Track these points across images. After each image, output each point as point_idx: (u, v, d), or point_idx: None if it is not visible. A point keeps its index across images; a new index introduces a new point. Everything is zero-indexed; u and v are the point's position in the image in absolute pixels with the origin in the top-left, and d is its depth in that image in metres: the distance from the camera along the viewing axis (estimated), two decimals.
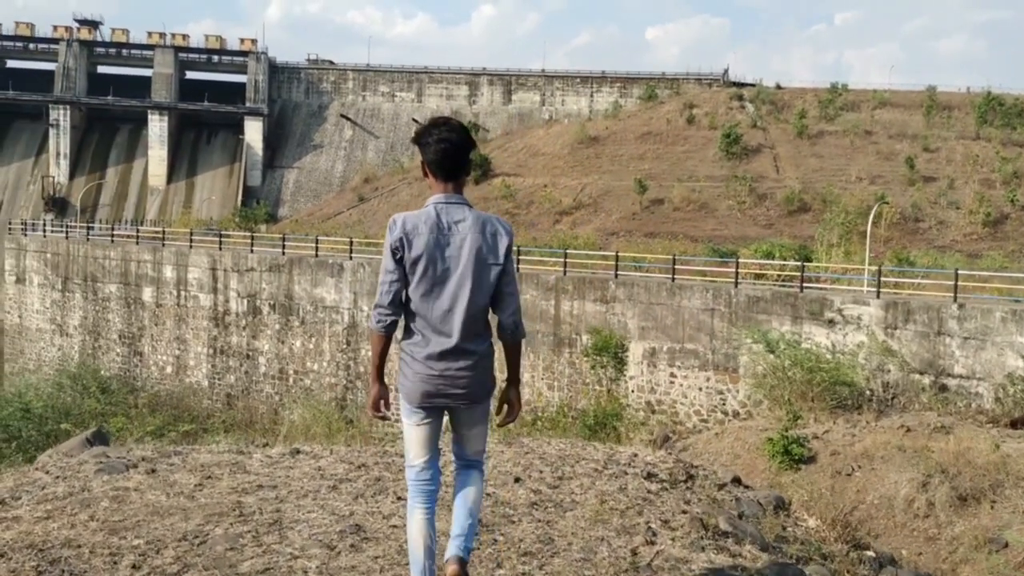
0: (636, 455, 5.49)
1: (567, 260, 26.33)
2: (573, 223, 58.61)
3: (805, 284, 22.47)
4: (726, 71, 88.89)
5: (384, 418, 4.14)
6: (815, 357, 17.72)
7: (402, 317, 4.04)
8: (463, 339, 3.91)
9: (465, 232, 3.97)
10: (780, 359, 17.48)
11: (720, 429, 17.91)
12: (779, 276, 25.29)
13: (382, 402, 4.10)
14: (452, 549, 3.98)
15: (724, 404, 22.07)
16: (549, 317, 25.22)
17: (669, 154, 67.47)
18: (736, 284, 22.77)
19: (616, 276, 24.54)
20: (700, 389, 22.42)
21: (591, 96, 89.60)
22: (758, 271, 25.97)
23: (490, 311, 4.04)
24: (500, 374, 3.86)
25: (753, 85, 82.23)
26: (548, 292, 25.32)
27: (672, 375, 22.83)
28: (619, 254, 25.46)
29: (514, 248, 4.24)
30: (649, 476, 5.01)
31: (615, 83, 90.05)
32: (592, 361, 17.87)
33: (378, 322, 3.98)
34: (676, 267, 24.48)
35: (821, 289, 23.09)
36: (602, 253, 33.03)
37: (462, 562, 3.94)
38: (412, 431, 4.04)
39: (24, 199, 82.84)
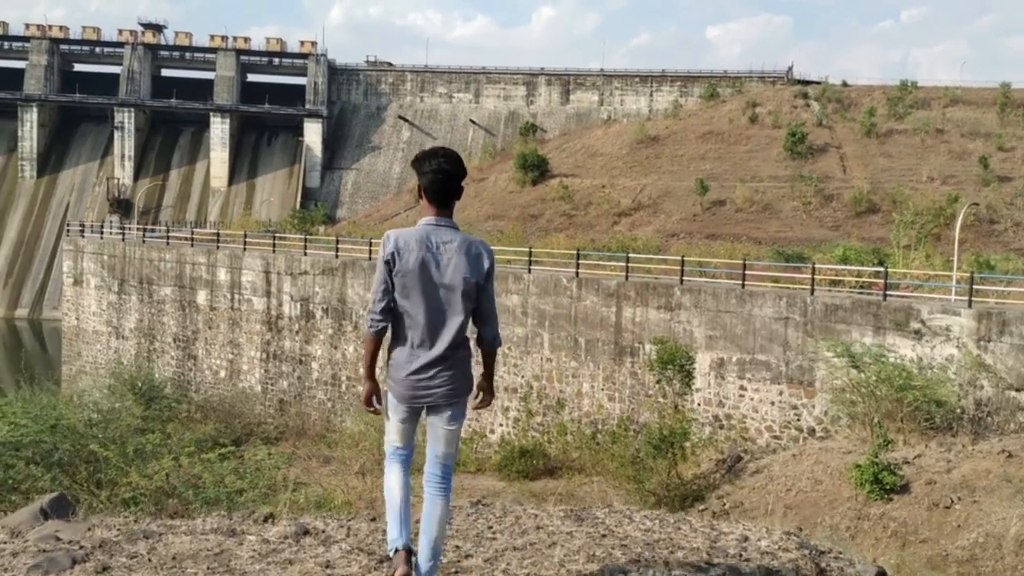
0: (747, 539, 4.33)
1: (629, 264, 25.10)
2: (632, 225, 57.32)
3: (886, 292, 20.92)
4: (790, 69, 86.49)
5: (376, 412, 4.61)
6: (905, 373, 16.25)
7: (391, 323, 4.53)
8: (446, 348, 4.40)
9: (452, 253, 4.42)
10: (865, 374, 16.07)
11: (798, 450, 16.57)
12: (857, 283, 23.72)
13: (374, 397, 4.58)
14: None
15: (798, 420, 20.64)
16: (610, 324, 24.05)
17: (731, 154, 65.77)
18: (812, 291, 21.31)
19: (681, 282, 23.24)
20: (772, 403, 21.01)
21: (651, 95, 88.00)
22: (834, 277, 24.41)
23: (471, 325, 4.54)
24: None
25: (818, 83, 79.81)
26: (609, 298, 24.15)
27: (742, 388, 21.46)
28: (684, 258, 24.13)
29: (496, 269, 4.65)
30: (769, 575, 3.86)
31: (675, 82, 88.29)
32: (657, 375, 16.71)
33: (370, 326, 4.50)
34: (745, 272, 23.07)
35: (904, 297, 21.48)
36: (664, 257, 31.71)
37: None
38: (396, 424, 4.55)
39: (90, 200, 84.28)
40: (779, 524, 13.84)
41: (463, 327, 4.46)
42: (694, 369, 16.86)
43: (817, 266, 22.77)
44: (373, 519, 5.25)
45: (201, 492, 9.06)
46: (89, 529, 4.55)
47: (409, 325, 4.43)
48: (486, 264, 4.50)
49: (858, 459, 14.16)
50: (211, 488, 8.98)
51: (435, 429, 4.55)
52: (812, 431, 20.36)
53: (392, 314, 4.48)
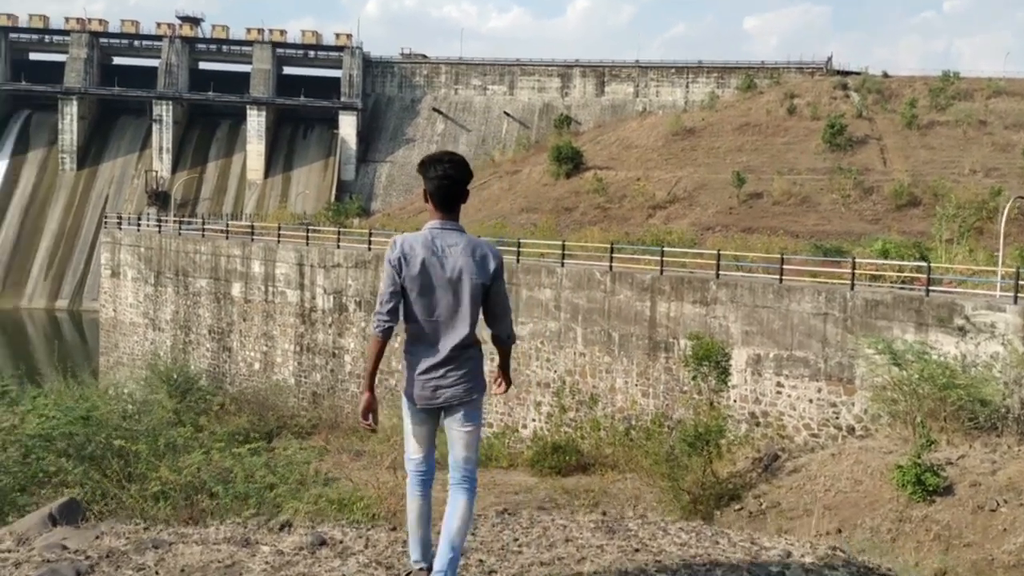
0: (790, 555, 4.08)
1: (664, 258, 24.76)
2: (667, 218, 56.75)
3: (928, 287, 20.41)
4: (829, 59, 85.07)
5: (372, 429, 4.55)
6: (948, 371, 15.80)
7: (401, 325, 4.56)
8: (455, 349, 4.45)
9: (457, 255, 4.48)
10: (907, 372, 15.65)
11: (837, 449, 16.20)
12: (898, 278, 23.18)
13: (371, 414, 4.52)
14: None
15: (837, 418, 20.22)
16: (644, 319, 23.75)
17: (768, 146, 64.88)
18: (852, 286, 20.85)
19: (717, 276, 22.87)
20: (810, 401, 20.61)
21: (686, 87, 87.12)
22: (874, 272, 23.87)
23: (482, 323, 4.55)
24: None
25: (858, 74, 78.41)
26: (643, 292, 23.85)
27: (779, 384, 21.08)
28: (720, 252, 23.75)
29: (504, 270, 4.67)
30: None
31: (712, 73, 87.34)
32: (693, 371, 16.41)
33: (377, 327, 4.50)
34: (783, 267, 22.64)
35: (947, 293, 20.93)
36: (699, 251, 31.29)
37: None
38: (413, 428, 4.58)
39: (128, 193, 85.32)
40: (817, 525, 13.53)
41: (471, 328, 4.51)
42: (730, 365, 16.53)
43: (857, 261, 22.26)
44: (393, 528, 5.07)
45: (231, 487, 8.98)
46: (97, 537, 4.42)
47: (418, 327, 4.49)
48: (492, 265, 4.55)
49: (900, 459, 13.79)
50: (241, 483, 8.90)
51: (451, 432, 4.59)
52: (851, 429, 19.94)
53: (400, 316, 4.53)
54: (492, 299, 4.56)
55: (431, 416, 4.57)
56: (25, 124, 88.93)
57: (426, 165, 4.60)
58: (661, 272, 24.06)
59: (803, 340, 20.86)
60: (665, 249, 26.33)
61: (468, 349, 4.52)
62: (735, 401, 21.41)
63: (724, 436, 16.14)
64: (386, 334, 4.50)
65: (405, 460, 4.68)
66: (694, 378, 17.13)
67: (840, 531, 13.02)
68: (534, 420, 25.68)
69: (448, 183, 4.55)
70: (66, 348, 60.63)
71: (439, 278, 4.45)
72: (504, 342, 4.68)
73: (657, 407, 23.08)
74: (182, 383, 24.23)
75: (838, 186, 56.72)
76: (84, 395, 13.86)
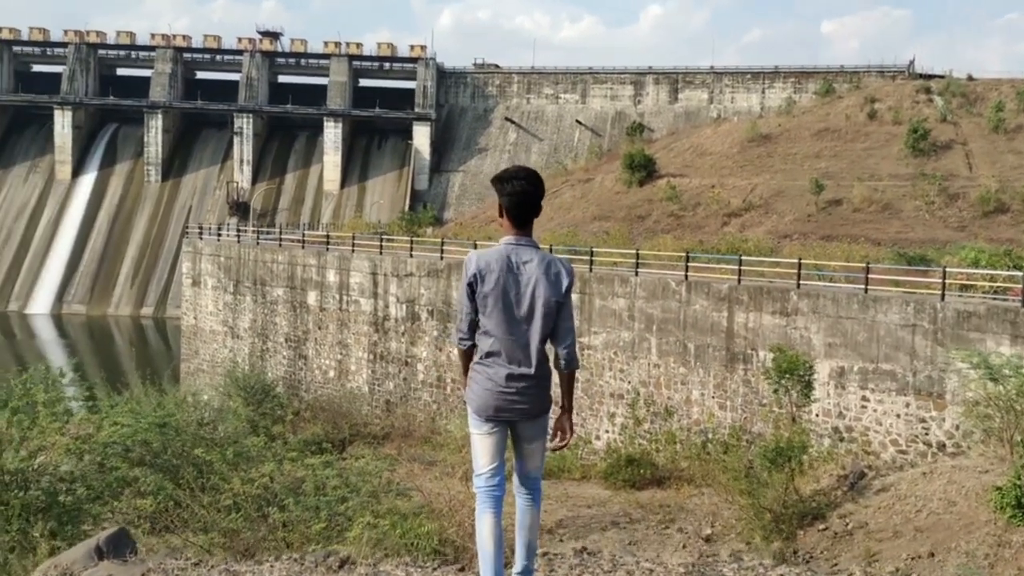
0: None
1: (741, 267, 24.12)
2: (742, 225, 55.65)
3: None
4: (911, 63, 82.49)
5: None
6: None
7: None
8: (528, 365, 4.54)
9: (532, 271, 4.53)
10: (1003, 387, 14.82)
11: (928, 467, 15.43)
12: (990, 287, 22.11)
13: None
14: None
15: (927, 434, 19.33)
16: (721, 330, 23.16)
17: (848, 151, 63.19)
18: (942, 296, 19.94)
19: (798, 286, 22.15)
20: (897, 416, 19.75)
21: (762, 92, 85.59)
22: (964, 281, 22.84)
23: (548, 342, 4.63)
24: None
25: (942, 77, 75.84)
26: (720, 302, 23.26)
27: (864, 399, 20.26)
28: (801, 261, 23.01)
29: (575, 286, 4.73)
30: None
31: (788, 78, 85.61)
32: (774, 384, 15.84)
33: (459, 343, 4.74)
34: (867, 276, 21.80)
35: None
36: (778, 259, 30.46)
37: None
38: (481, 440, 4.62)
39: (210, 203, 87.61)
40: (908, 548, 12.86)
41: (544, 344, 4.61)
42: (814, 379, 15.90)
43: (948, 269, 21.31)
44: (461, 569, 4.85)
45: (302, 499, 8.89)
46: (144, 574, 4.27)
47: (493, 343, 4.55)
48: (565, 282, 4.59)
49: (997, 480, 13.00)
50: (311, 496, 8.79)
51: (522, 445, 4.70)
52: (942, 446, 19.05)
53: (476, 332, 4.64)
54: (560, 316, 4.59)
55: (501, 429, 4.60)
56: (113, 137, 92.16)
57: (501, 181, 4.65)
58: (739, 281, 23.44)
59: (890, 352, 20.02)
60: (743, 258, 25.68)
61: (543, 366, 4.61)
62: (817, 415, 20.67)
63: (807, 452, 15.52)
64: (471, 349, 4.71)
65: (473, 478, 4.70)
66: (775, 391, 16.53)
67: (933, 555, 12.35)
68: (607, 432, 25.28)
69: (523, 198, 4.58)
70: (150, 354, 62.50)
71: (514, 294, 4.49)
72: (568, 363, 4.70)
73: (735, 420, 22.45)
74: (258, 390, 24.54)
75: (921, 192, 54.91)
76: (161, 403, 14.06)
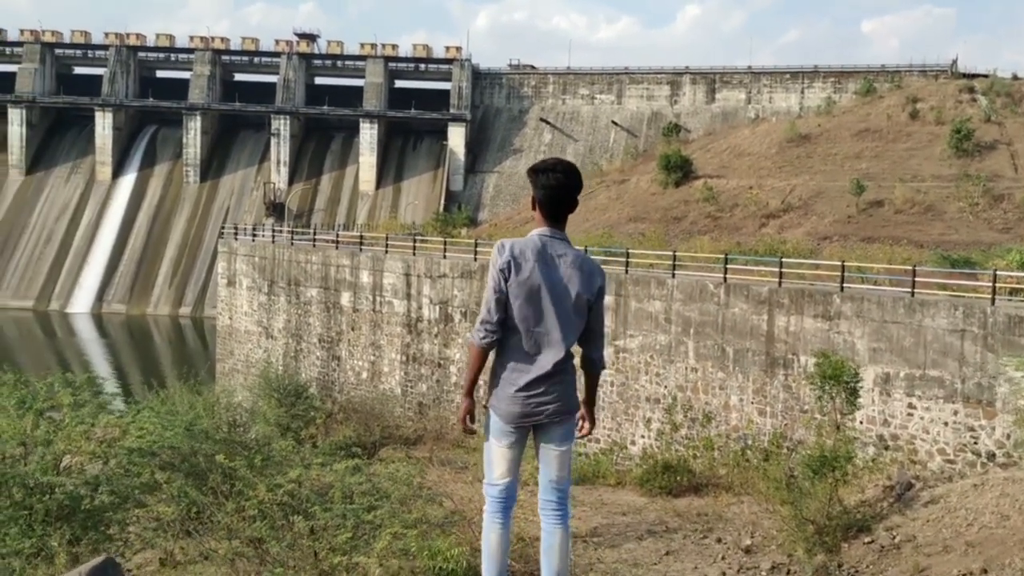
0: None
1: (782, 269, 23.54)
2: (781, 227, 54.81)
3: None
4: (954, 62, 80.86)
5: (472, 432, 4.46)
6: None
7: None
8: (558, 364, 4.25)
9: (567, 266, 4.28)
10: None
11: (979, 479, 14.84)
12: None
13: (468, 416, 4.44)
14: None
15: (976, 443, 18.66)
16: (760, 334, 22.62)
17: (889, 152, 62.01)
18: (992, 300, 19.25)
19: (842, 289, 21.55)
20: (945, 424, 19.11)
21: (801, 92, 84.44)
22: (1014, 285, 22.09)
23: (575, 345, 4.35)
24: None
25: (986, 76, 74.16)
26: (760, 305, 22.71)
27: (910, 406, 19.63)
28: (844, 263, 22.40)
29: (606, 289, 4.44)
30: None
31: (828, 78, 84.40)
32: (818, 391, 15.35)
33: (483, 338, 4.28)
34: (913, 279, 21.14)
35: None
36: (820, 262, 29.79)
37: None
38: (500, 451, 4.32)
39: (248, 204, 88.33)
40: (959, 564, 12.32)
41: (572, 343, 4.37)
42: (860, 386, 15.40)
43: (999, 273, 20.60)
44: None
45: (329, 507, 8.62)
46: None
47: (519, 339, 4.26)
48: (598, 282, 4.38)
49: None
50: (338, 503, 8.52)
51: (546, 452, 4.41)
52: (991, 456, 18.38)
53: (504, 327, 4.28)
54: (592, 317, 4.38)
55: (522, 435, 4.37)
56: (152, 139, 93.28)
57: (537, 172, 4.42)
58: (779, 284, 22.88)
59: (937, 358, 19.38)
60: (784, 259, 25.10)
61: (568, 363, 4.35)
62: (861, 423, 20.07)
63: (852, 461, 15.00)
64: (491, 346, 4.32)
65: (485, 486, 4.44)
66: (819, 398, 16.01)
67: (986, 572, 11.80)
68: (643, 437, 24.83)
69: (558, 191, 4.36)
70: (187, 353, 63.09)
71: (549, 287, 4.23)
72: (595, 365, 4.47)
73: (775, 427, 21.91)
74: (291, 392, 24.45)
75: (965, 194, 53.70)
76: (193, 404, 13.92)
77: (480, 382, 4.56)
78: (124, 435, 8.80)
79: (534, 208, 4.45)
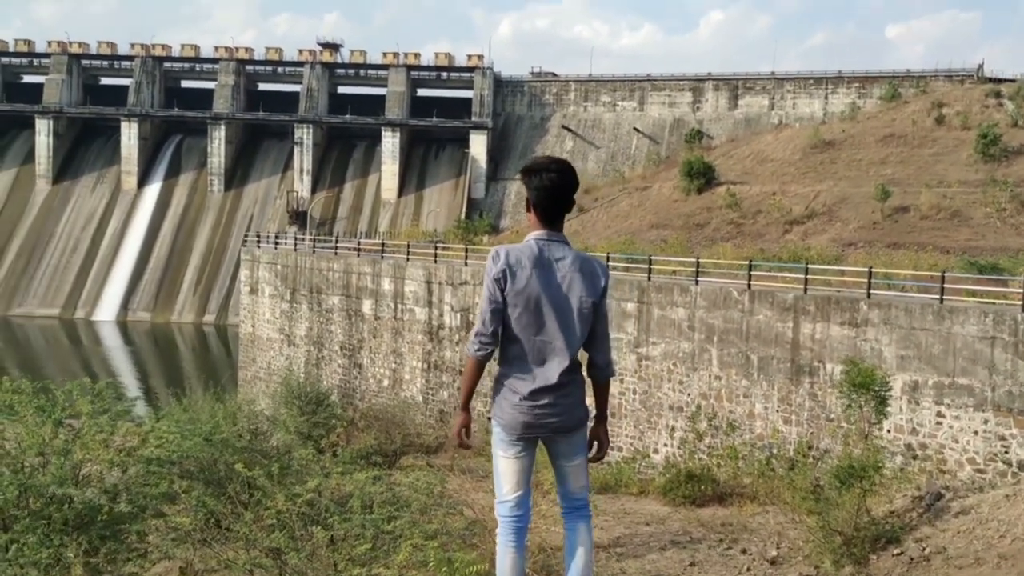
0: None
1: (807, 276, 23.25)
2: (804, 233, 54.34)
3: None
4: (980, 66, 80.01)
5: (467, 447, 4.28)
6: None
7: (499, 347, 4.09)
8: (564, 373, 4.06)
9: (566, 270, 4.11)
10: None
11: (1011, 490, 14.49)
12: None
13: (464, 430, 4.28)
14: None
15: (1006, 452, 18.30)
16: (785, 341, 22.34)
17: (915, 157, 61.35)
18: (1023, 307, 18.90)
19: (868, 295, 21.24)
20: (975, 433, 18.76)
21: (825, 98, 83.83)
22: None
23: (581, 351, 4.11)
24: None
25: (1012, 81, 73.33)
26: (785, 312, 22.44)
27: (939, 415, 19.29)
28: (872, 269, 22.08)
29: (609, 290, 4.21)
30: None
31: (852, 83, 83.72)
32: (847, 399, 15.09)
33: (478, 350, 4.15)
34: (942, 285, 20.79)
35: None
36: (845, 268, 29.43)
37: None
38: (508, 463, 4.13)
39: (271, 212, 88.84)
40: None
41: (579, 349, 4.19)
42: (889, 395, 15.12)
43: None
44: None
45: (348, 517, 8.52)
46: None
47: (520, 348, 4.10)
48: (602, 282, 4.22)
49: None
50: (358, 513, 8.42)
51: (559, 467, 4.25)
52: (1023, 466, 18.00)
53: (501, 337, 4.12)
54: (596, 319, 4.19)
55: (530, 448, 4.20)
56: (177, 148, 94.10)
57: (530, 173, 4.24)
58: (805, 291, 22.60)
59: (967, 366, 19.04)
60: (810, 266, 24.80)
61: (575, 373, 4.18)
62: (889, 431, 19.75)
63: (881, 472, 14.72)
64: (485, 359, 4.17)
65: (496, 506, 4.27)
66: (848, 407, 15.75)
67: None
68: (666, 445, 24.59)
69: (552, 192, 4.17)
70: (211, 361, 63.46)
71: (548, 294, 4.07)
72: (603, 371, 4.25)
73: (800, 435, 21.61)
74: (312, 399, 24.43)
75: (992, 199, 53.01)
76: (214, 412, 13.89)
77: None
78: (143, 444, 8.75)
79: (529, 210, 4.29)
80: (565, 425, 4.12)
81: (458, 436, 4.35)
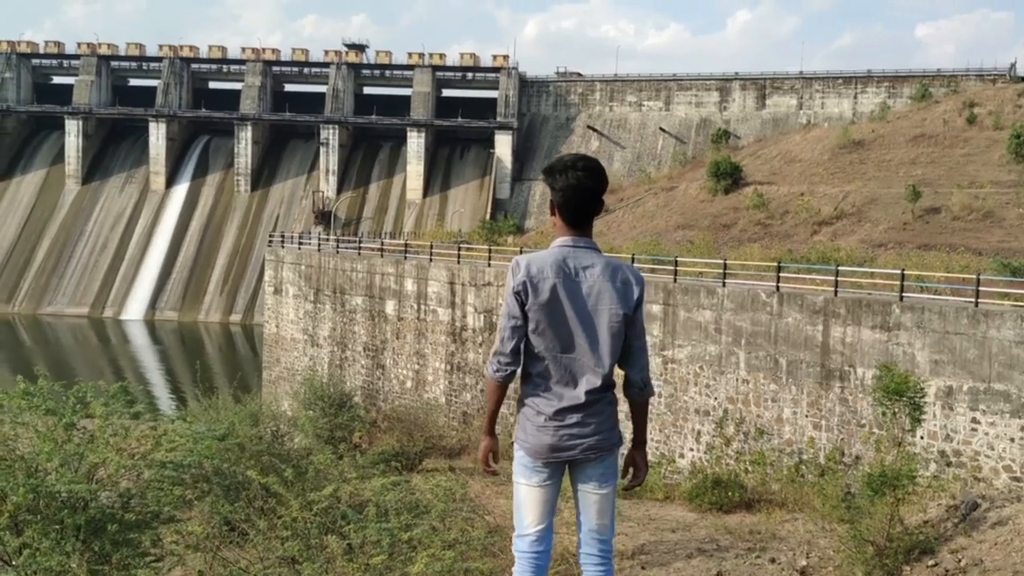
0: None
1: (838, 278, 22.77)
2: (833, 234, 53.60)
3: None
4: (1012, 66, 78.75)
5: (494, 473, 4.01)
6: None
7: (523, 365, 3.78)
8: (593, 392, 3.76)
9: (594, 280, 3.78)
10: None
11: None
12: None
13: (491, 455, 4.01)
14: None
15: None
16: (815, 344, 21.88)
17: (946, 158, 60.38)
18: None
19: (901, 298, 20.74)
20: (1011, 440, 18.22)
21: (854, 98, 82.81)
22: None
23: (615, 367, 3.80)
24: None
25: None
26: (815, 315, 21.99)
27: (974, 421, 18.78)
28: (904, 271, 21.57)
29: (645, 298, 3.88)
30: None
31: (882, 83, 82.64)
32: (881, 406, 14.66)
33: (497, 371, 3.87)
34: (977, 288, 20.27)
35: None
36: (876, 270, 28.87)
37: None
38: (530, 492, 3.84)
39: (297, 213, 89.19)
40: None
41: (611, 366, 3.83)
42: (924, 402, 14.65)
43: None
44: None
45: (363, 527, 8.30)
46: None
47: (545, 368, 3.78)
48: (636, 292, 3.83)
49: None
50: (373, 525, 8.19)
51: (585, 495, 3.89)
52: None
53: (523, 355, 3.79)
54: (630, 333, 3.82)
55: (556, 475, 3.87)
56: (204, 149, 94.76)
57: (553, 173, 3.83)
58: (835, 293, 22.13)
59: (1003, 371, 18.51)
60: (840, 268, 24.31)
61: (607, 392, 3.83)
62: (922, 438, 19.26)
63: (915, 480, 14.29)
64: (508, 380, 3.86)
65: (515, 539, 3.92)
66: (882, 413, 15.32)
67: None
68: (692, 450, 24.20)
69: (578, 193, 3.78)
70: (237, 361, 63.71)
71: (574, 307, 3.73)
72: (640, 390, 3.88)
73: (830, 441, 21.15)
74: (335, 400, 24.30)
75: None
76: (233, 412, 13.73)
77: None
78: (156, 447, 8.57)
79: (553, 213, 3.89)
80: (596, 446, 3.79)
81: (484, 462, 4.10)
